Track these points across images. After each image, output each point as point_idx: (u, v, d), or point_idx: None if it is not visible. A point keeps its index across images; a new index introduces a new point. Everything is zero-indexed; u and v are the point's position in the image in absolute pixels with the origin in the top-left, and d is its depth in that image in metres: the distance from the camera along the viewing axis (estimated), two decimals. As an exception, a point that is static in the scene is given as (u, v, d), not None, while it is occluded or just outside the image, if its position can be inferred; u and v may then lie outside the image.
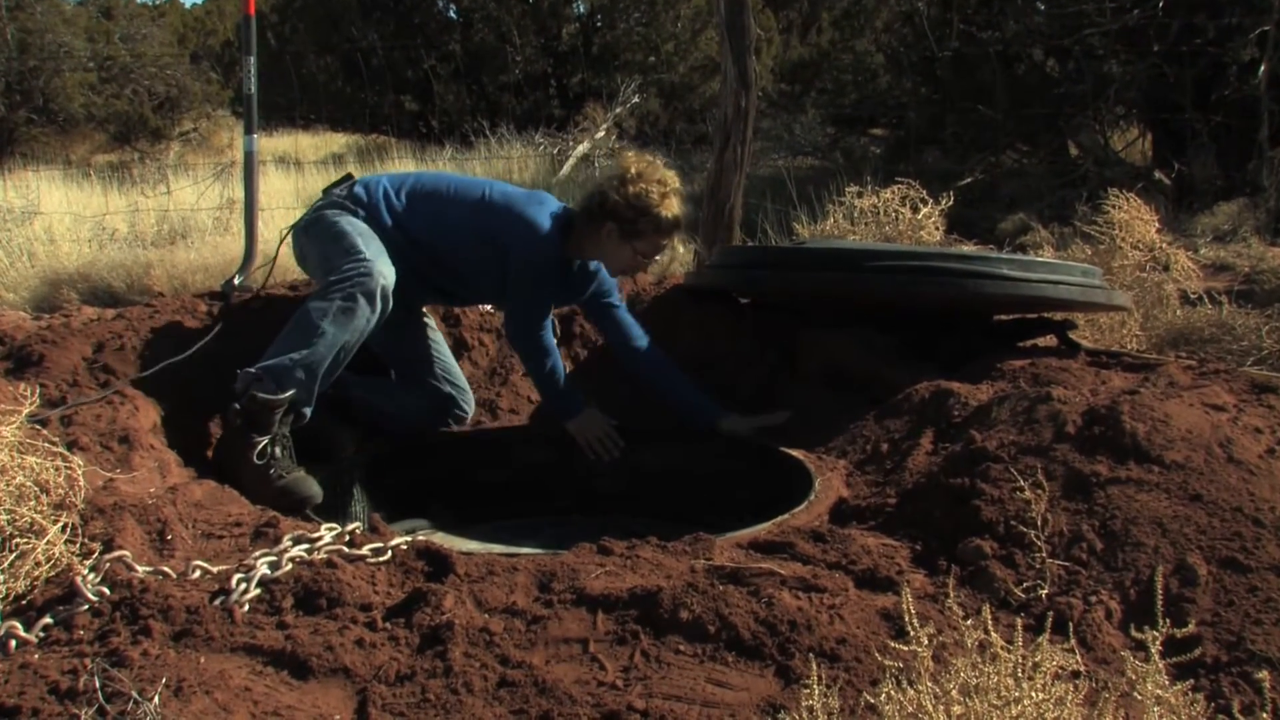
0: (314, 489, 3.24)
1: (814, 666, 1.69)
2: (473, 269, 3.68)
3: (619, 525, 3.09)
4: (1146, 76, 8.41)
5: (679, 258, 6.14)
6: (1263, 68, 7.82)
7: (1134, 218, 4.79)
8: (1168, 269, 4.77)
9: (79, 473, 2.50)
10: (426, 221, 3.63)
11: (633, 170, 3.53)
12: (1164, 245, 4.84)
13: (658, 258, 3.83)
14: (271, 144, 14.42)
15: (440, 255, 3.65)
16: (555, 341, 3.71)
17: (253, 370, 3.27)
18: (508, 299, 3.66)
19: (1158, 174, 8.51)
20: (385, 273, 3.34)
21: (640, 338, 3.82)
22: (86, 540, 2.35)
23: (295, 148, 14.28)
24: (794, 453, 3.41)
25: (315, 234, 3.61)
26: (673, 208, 3.51)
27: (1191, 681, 1.67)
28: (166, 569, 2.28)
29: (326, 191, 3.75)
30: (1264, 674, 1.72)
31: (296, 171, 10.39)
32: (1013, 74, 9.48)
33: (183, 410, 3.55)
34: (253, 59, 4.98)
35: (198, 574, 2.29)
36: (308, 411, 3.31)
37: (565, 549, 2.52)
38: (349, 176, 3.79)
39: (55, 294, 6.11)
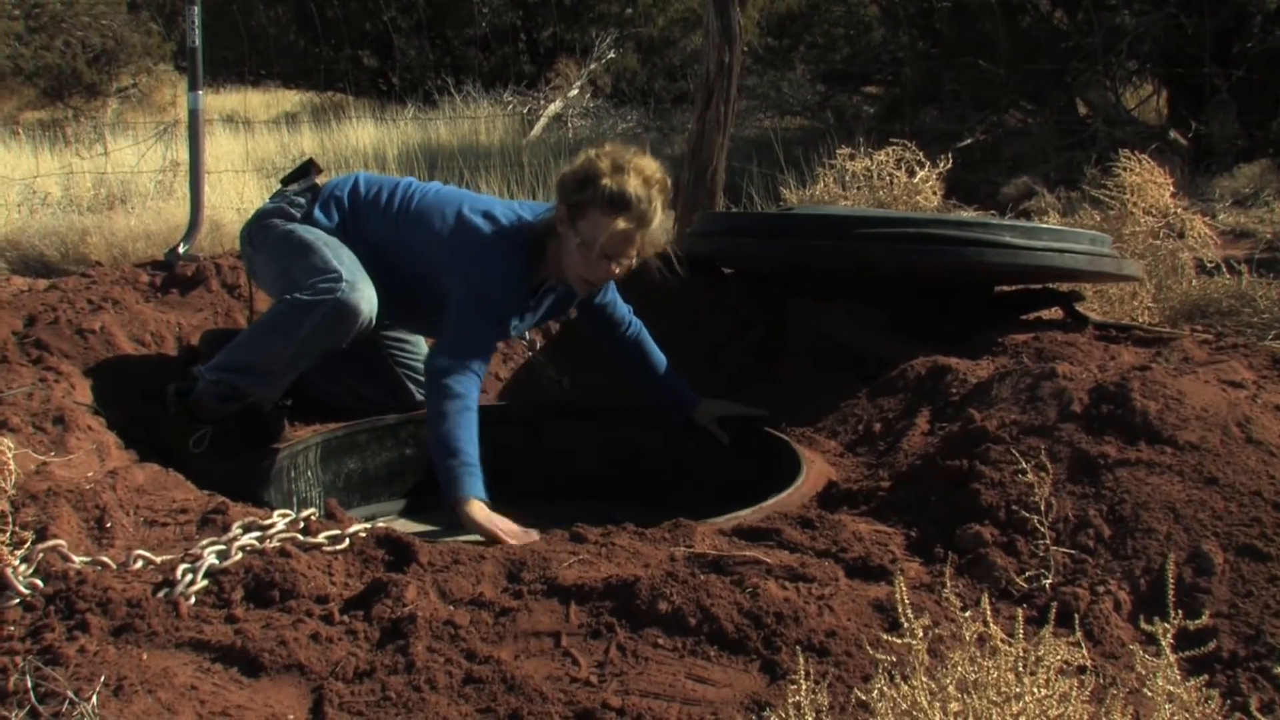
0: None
1: (802, 661, 1.69)
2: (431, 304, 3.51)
3: (593, 510, 3.09)
4: (1162, 28, 8.42)
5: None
6: (1291, 17, 7.85)
7: (1147, 181, 4.81)
8: (1183, 236, 4.79)
9: (9, 456, 2.48)
10: (409, 246, 3.41)
11: (596, 149, 3.27)
12: (1179, 210, 4.86)
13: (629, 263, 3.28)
14: (218, 101, 14.30)
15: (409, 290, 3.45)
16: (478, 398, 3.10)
17: (209, 373, 3.30)
18: (447, 320, 3.26)
19: (1173, 134, 8.53)
20: (368, 296, 3.23)
21: (619, 331, 3.64)
22: (18, 529, 2.33)
23: (244, 106, 14.17)
24: (780, 433, 3.42)
25: (270, 246, 3.47)
26: (624, 182, 3.10)
27: (1206, 677, 1.68)
28: (105, 559, 2.27)
29: (281, 192, 3.59)
30: (1282, 667, 1.74)
31: (246, 131, 10.32)
32: (1017, 26, 9.48)
33: (123, 388, 3.53)
34: (197, 8, 4.94)
35: (139, 564, 2.28)
36: (265, 405, 3.34)
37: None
38: (309, 167, 3.62)
39: (-18, 263, 6.06)
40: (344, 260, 3.30)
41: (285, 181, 3.62)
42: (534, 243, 3.30)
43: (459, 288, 3.24)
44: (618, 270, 3.25)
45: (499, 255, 3.26)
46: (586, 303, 3.58)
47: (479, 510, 2.84)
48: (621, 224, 3.12)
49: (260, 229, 3.52)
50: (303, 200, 3.51)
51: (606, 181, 3.11)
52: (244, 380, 3.27)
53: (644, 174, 3.15)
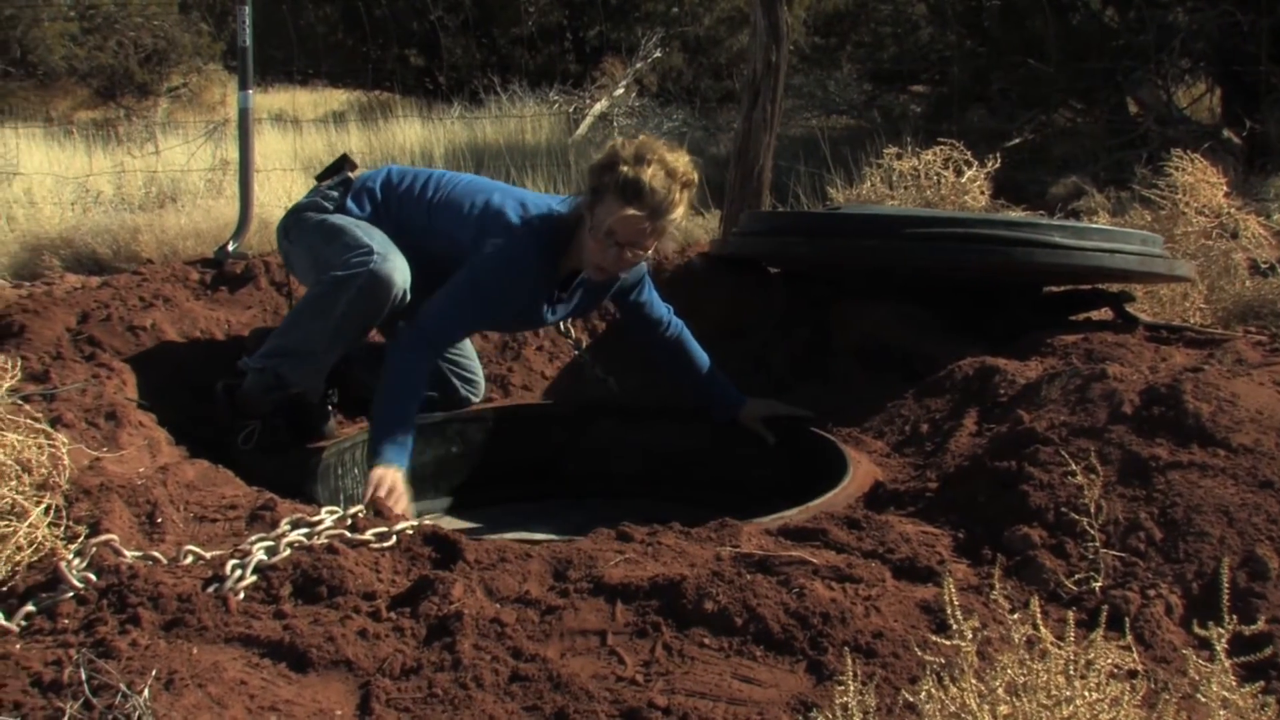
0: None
1: (849, 662, 1.69)
2: None
3: (639, 509, 3.09)
4: (1216, 25, 8.30)
5: (704, 224, 6.12)
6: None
7: (1200, 180, 4.75)
8: (1236, 236, 4.72)
9: (63, 451, 2.51)
10: (442, 236, 3.43)
11: (626, 138, 3.30)
12: (1233, 210, 4.80)
13: (644, 256, 3.29)
14: (267, 100, 14.42)
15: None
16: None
17: (254, 362, 3.37)
18: (440, 290, 3.30)
19: (1227, 132, 8.41)
20: (400, 267, 3.28)
21: (659, 331, 3.64)
22: (71, 523, 2.36)
23: (292, 105, 14.28)
24: (827, 433, 3.41)
25: (304, 236, 3.53)
26: (644, 172, 3.10)
27: (1262, 683, 1.66)
28: (156, 554, 2.30)
29: (316, 188, 3.64)
30: (1337, 674, 1.71)
31: (294, 130, 10.39)
32: (1067, 24, 9.38)
33: (174, 385, 3.57)
34: (248, 8, 4.98)
35: (190, 560, 2.30)
36: (310, 395, 3.40)
37: (582, 535, 2.53)
38: (344, 163, 3.66)
39: (36, 260, 6.13)
40: (375, 236, 3.34)
41: (320, 178, 3.66)
42: (562, 232, 3.31)
43: (468, 266, 3.28)
44: (630, 258, 3.24)
45: (517, 243, 3.29)
46: (624, 301, 3.59)
47: (386, 475, 2.95)
48: (631, 212, 3.12)
49: (295, 222, 3.57)
50: (335, 194, 3.55)
51: (624, 169, 3.12)
52: (286, 365, 3.33)
53: (667, 167, 3.14)
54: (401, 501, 2.89)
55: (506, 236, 3.29)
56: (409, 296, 3.31)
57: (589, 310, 3.89)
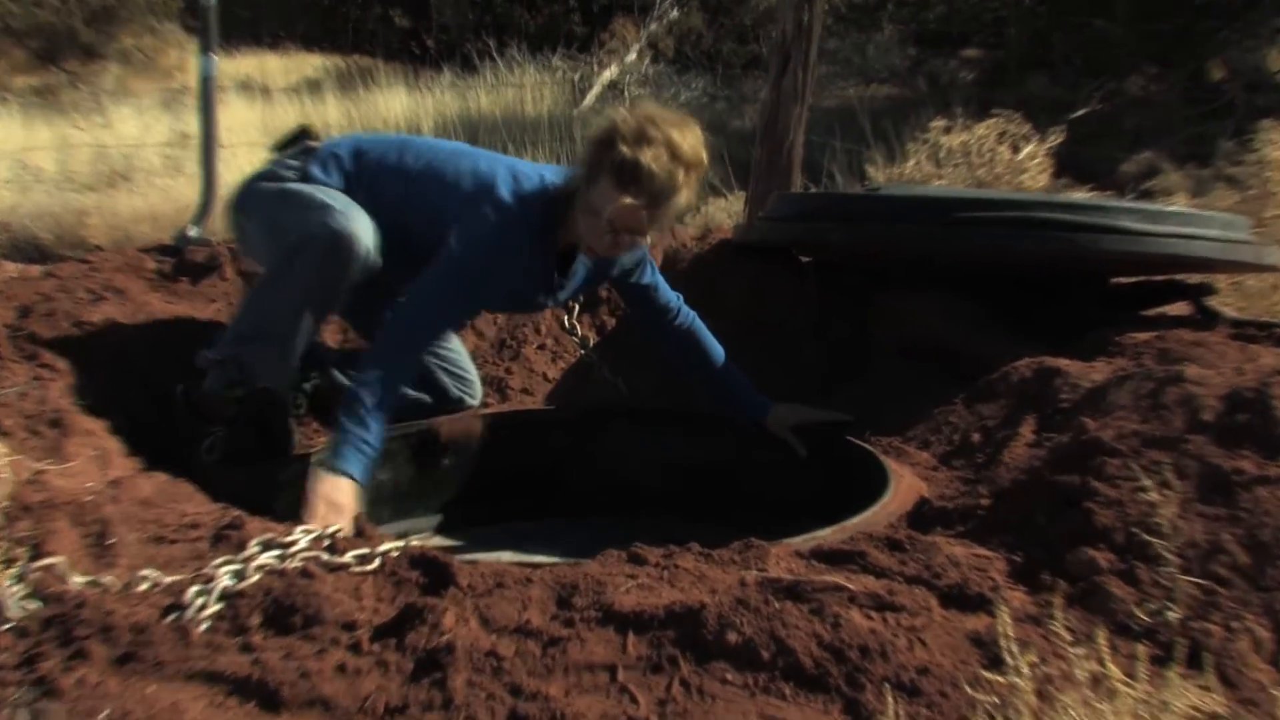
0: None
1: (890, 701, 1.69)
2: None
3: (652, 528, 3.09)
4: (1314, -23, 8.30)
5: (726, 206, 6.13)
6: None
7: (1291, 157, 4.75)
8: (1334, 220, 4.72)
9: (2, 463, 2.52)
10: (414, 210, 3.44)
11: (631, 109, 3.28)
12: (1330, 190, 4.80)
13: (643, 241, 3.33)
14: (232, 66, 14.44)
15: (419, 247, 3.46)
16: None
17: (212, 354, 3.36)
18: (422, 276, 3.30)
19: (1324, 101, 8.40)
20: (365, 225, 3.29)
21: (668, 319, 3.66)
22: (10, 544, 2.37)
23: (261, 71, 14.32)
24: (865, 442, 3.41)
25: (261, 208, 3.52)
26: (644, 153, 3.07)
27: (1358, 726, 1.67)
28: (108, 579, 2.30)
29: (275, 159, 3.63)
30: None
31: (263, 100, 10.43)
32: (1138, -22, 9.38)
33: (127, 388, 3.58)
34: (210, -39, 5.00)
35: (146, 586, 2.30)
36: (277, 391, 3.40)
37: (588, 556, 2.54)
38: (303, 133, 3.66)
39: (-32, 247, 6.17)
40: (336, 197, 3.35)
41: (278, 149, 3.66)
42: (558, 205, 3.32)
43: (452, 246, 3.27)
44: (626, 243, 3.25)
45: (508, 220, 3.29)
46: (625, 284, 3.62)
47: (334, 485, 2.93)
48: (628, 200, 3.11)
49: (251, 194, 3.56)
50: (297, 163, 3.54)
51: (623, 149, 3.10)
52: (250, 351, 3.33)
53: (673, 148, 3.11)
54: (344, 517, 2.78)
55: (497, 212, 3.28)
56: (376, 259, 3.32)
57: (589, 289, 3.89)
